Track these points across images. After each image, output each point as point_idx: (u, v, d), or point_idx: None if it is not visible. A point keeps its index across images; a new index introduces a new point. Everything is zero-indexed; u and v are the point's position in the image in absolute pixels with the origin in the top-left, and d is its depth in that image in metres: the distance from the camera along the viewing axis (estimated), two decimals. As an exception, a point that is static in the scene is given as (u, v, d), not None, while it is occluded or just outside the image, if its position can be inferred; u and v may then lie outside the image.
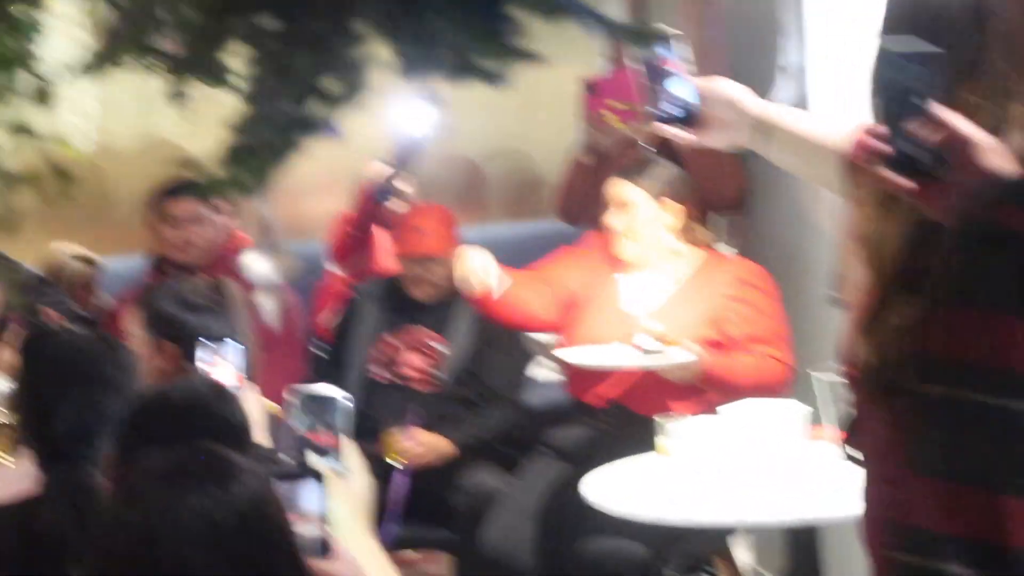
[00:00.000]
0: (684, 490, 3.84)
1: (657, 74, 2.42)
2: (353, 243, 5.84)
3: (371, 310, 5.34)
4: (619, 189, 4.65)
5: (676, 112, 2.44)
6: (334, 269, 6.13)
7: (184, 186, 5.57)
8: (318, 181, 6.60)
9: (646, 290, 4.61)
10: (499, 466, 5.10)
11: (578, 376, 4.74)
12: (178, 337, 3.49)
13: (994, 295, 1.90)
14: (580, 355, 4.52)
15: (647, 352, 4.38)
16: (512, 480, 4.91)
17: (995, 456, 1.93)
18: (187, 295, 3.85)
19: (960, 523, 1.95)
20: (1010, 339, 1.89)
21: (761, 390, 4.32)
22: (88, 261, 6.07)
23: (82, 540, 2.63)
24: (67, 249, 6.10)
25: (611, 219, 4.64)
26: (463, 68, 1.26)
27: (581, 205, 5.28)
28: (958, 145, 1.84)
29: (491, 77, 1.27)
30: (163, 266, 5.49)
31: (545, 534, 4.59)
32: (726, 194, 5.14)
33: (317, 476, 2.26)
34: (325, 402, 2.49)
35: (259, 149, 1.19)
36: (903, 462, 2.01)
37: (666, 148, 4.78)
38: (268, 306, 1.20)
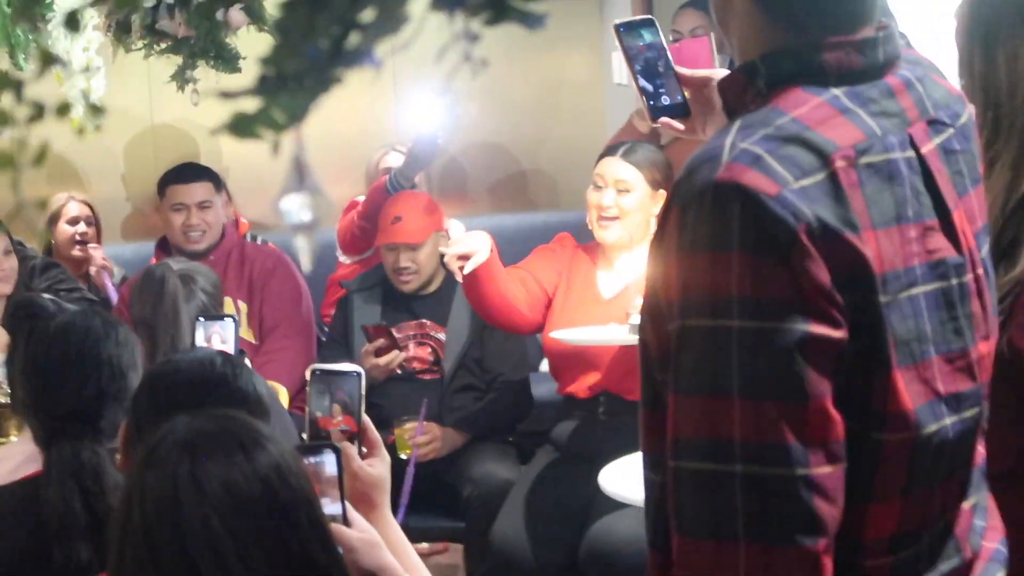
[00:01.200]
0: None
1: (653, 64, 2.40)
2: (363, 235, 5.81)
3: (363, 305, 5.29)
4: (616, 169, 4.60)
5: (673, 101, 2.40)
6: (344, 259, 6.09)
7: (192, 170, 5.55)
8: (331, 169, 6.56)
9: (623, 276, 4.59)
10: (508, 454, 5.07)
11: (563, 370, 4.72)
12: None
13: None
14: (577, 334, 4.49)
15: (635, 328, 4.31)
16: (522, 470, 4.87)
17: None
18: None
19: None
20: None
21: None
22: (86, 204, 6.15)
23: (86, 518, 2.62)
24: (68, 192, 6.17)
25: (601, 198, 4.59)
26: (499, 7, 1.19)
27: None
28: None
29: (529, 19, 1.21)
30: (171, 250, 5.45)
31: (557, 525, 4.54)
32: None
33: (335, 449, 2.21)
34: (345, 379, 2.42)
35: (294, 82, 1.11)
36: None
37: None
38: (304, 249, 1.13)
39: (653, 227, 4.44)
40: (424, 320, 5.23)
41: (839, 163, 1.74)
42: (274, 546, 1.77)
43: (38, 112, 1.09)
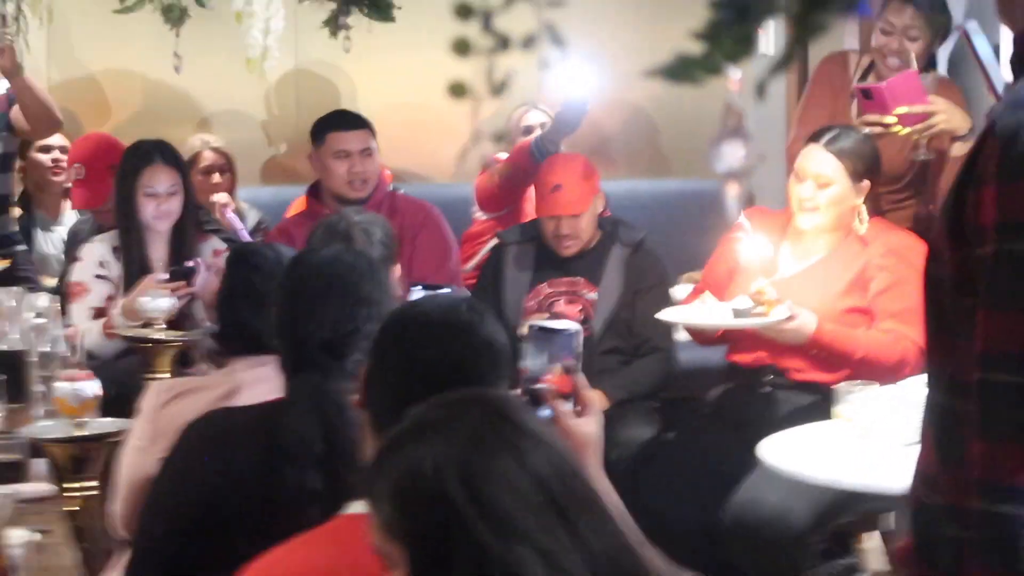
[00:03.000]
0: (859, 456, 3.78)
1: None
2: (502, 193, 5.81)
3: (517, 258, 5.29)
4: (817, 161, 4.52)
5: None
6: (480, 215, 6.10)
7: (353, 118, 5.56)
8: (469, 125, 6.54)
9: (766, 249, 4.52)
10: (654, 419, 5.06)
11: (732, 338, 4.69)
12: None
13: None
14: (675, 314, 4.51)
15: (739, 312, 4.29)
16: (670, 435, 4.87)
17: None
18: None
19: None
20: None
21: (881, 367, 4.29)
22: (221, 153, 6.24)
23: (322, 447, 2.65)
24: (205, 138, 6.22)
25: (800, 191, 4.53)
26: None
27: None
28: None
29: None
30: (323, 197, 5.46)
31: (703, 489, 4.53)
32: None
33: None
34: (562, 336, 2.41)
35: (739, 19, 1.10)
36: None
37: None
38: (733, 196, 1.10)
39: (859, 221, 4.46)
40: (577, 278, 5.22)
41: None
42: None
43: (503, 43, 1.09)
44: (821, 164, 4.50)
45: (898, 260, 4.46)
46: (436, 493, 1.72)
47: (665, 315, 4.50)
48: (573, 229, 5.15)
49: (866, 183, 4.52)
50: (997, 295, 1.91)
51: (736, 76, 1.20)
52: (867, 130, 4.69)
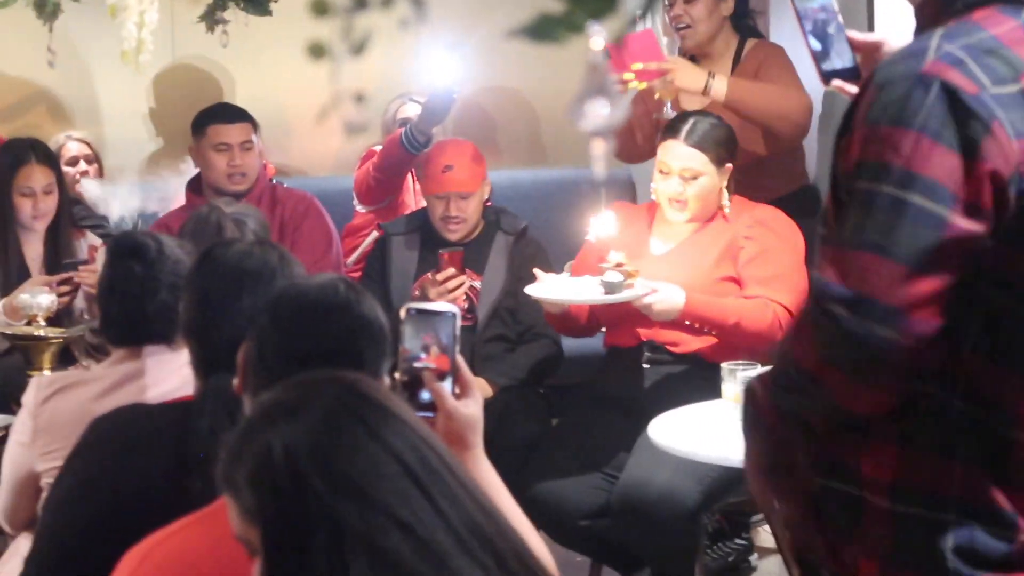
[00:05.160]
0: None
1: (823, 26, 2.43)
2: (378, 185, 5.81)
3: (401, 248, 5.29)
4: (681, 156, 4.55)
5: (845, 65, 2.44)
6: (360, 208, 6.08)
7: (234, 111, 5.53)
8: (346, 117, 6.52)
9: (678, 234, 4.59)
10: (539, 406, 5.09)
11: (607, 320, 4.73)
12: None
13: None
14: (545, 290, 4.48)
15: (612, 285, 4.30)
16: (556, 422, 4.88)
17: None
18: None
19: None
20: None
21: (755, 331, 4.35)
22: (85, 142, 6.20)
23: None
24: (67, 132, 6.24)
25: (668, 186, 4.56)
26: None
27: (633, 152, 5.38)
28: None
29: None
30: (203, 191, 5.43)
31: (590, 471, 4.56)
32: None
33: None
34: (440, 319, 2.40)
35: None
36: None
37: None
38: (599, 156, 1.10)
39: (724, 201, 4.50)
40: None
41: None
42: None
43: (360, 2, 1.09)
44: (685, 159, 4.54)
45: (765, 230, 4.53)
46: (290, 473, 1.71)
47: (534, 290, 4.48)
48: (462, 210, 5.16)
49: (728, 165, 4.58)
50: (844, 231, 2.02)
51: (600, 35, 1.21)
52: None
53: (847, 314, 1.97)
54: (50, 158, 5.16)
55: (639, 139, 5.29)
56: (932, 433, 2.03)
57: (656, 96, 5.00)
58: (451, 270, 5.02)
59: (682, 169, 4.52)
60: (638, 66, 4.74)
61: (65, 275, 4.91)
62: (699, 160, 4.52)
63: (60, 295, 4.83)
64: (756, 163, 5.07)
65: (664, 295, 4.33)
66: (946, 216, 1.94)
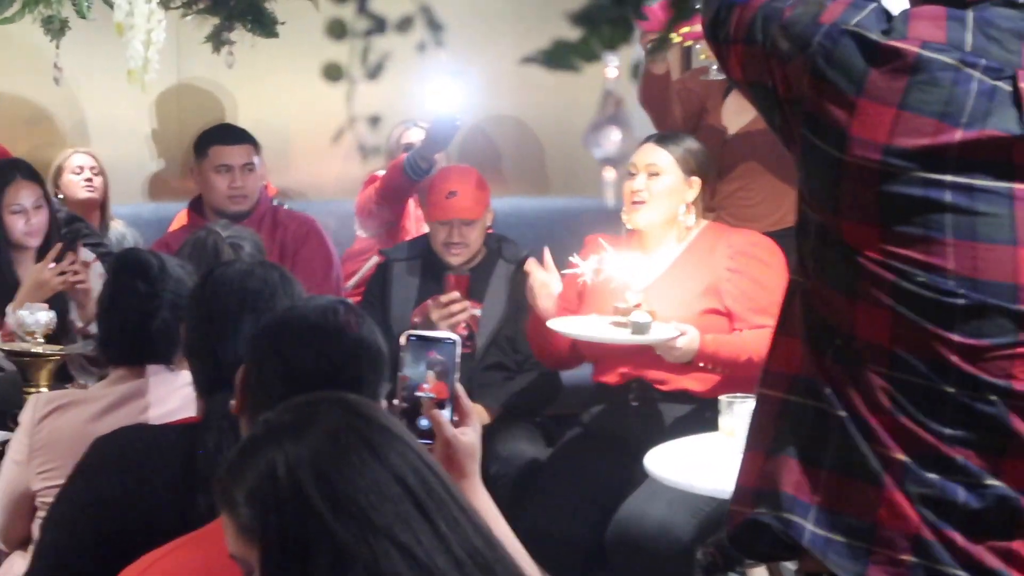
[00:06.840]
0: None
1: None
2: (380, 212, 5.82)
3: (403, 275, 5.28)
4: (648, 154, 4.62)
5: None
6: (362, 233, 6.09)
7: (236, 132, 5.53)
8: (353, 143, 6.51)
9: (638, 265, 4.55)
10: (536, 435, 5.08)
11: (594, 357, 4.74)
12: None
13: None
14: (570, 326, 4.46)
15: (639, 326, 4.28)
16: (552, 451, 4.88)
17: None
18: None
19: None
20: None
21: (760, 366, 4.30)
22: (91, 155, 6.23)
23: None
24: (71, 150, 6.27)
25: (633, 184, 4.60)
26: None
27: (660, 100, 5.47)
28: None
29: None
30: (205, 212, 5.43)
31: (585, 506, 4.54)
32: None
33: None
34: (440, 346, 2.40)
35: (616, 3, 1.11)
36: None
37: None
38: (609, 183, 1.11)
39: (682, 215, 4.51)
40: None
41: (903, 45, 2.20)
42: None
43: (378, 26, 1.08)
44: (651, 155, 4.61)
45: (747, 259, 4.54)
46: (291, 492, 1.71)
47: (556, 325, 4.48)
48: (465, 237, 5.16)
49: (696, 179, 4.61)
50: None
51: (614, 64, 1.21)
52: (649, 46, 5.00)
53: None
54: (35, 175, 5.19)
55: (677, 115, 5.33)
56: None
57: (702, 57, 5.04)
58: (455, 294, 5.00)
59: (647, 165, 4.59)
60: (686, 30, 4.76)
61: (60, 249, 4.93)
62: (664, 159, 4.59)
63: (60, 274, 4.88)
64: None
65: (691, 336, 4.33)
66: None
